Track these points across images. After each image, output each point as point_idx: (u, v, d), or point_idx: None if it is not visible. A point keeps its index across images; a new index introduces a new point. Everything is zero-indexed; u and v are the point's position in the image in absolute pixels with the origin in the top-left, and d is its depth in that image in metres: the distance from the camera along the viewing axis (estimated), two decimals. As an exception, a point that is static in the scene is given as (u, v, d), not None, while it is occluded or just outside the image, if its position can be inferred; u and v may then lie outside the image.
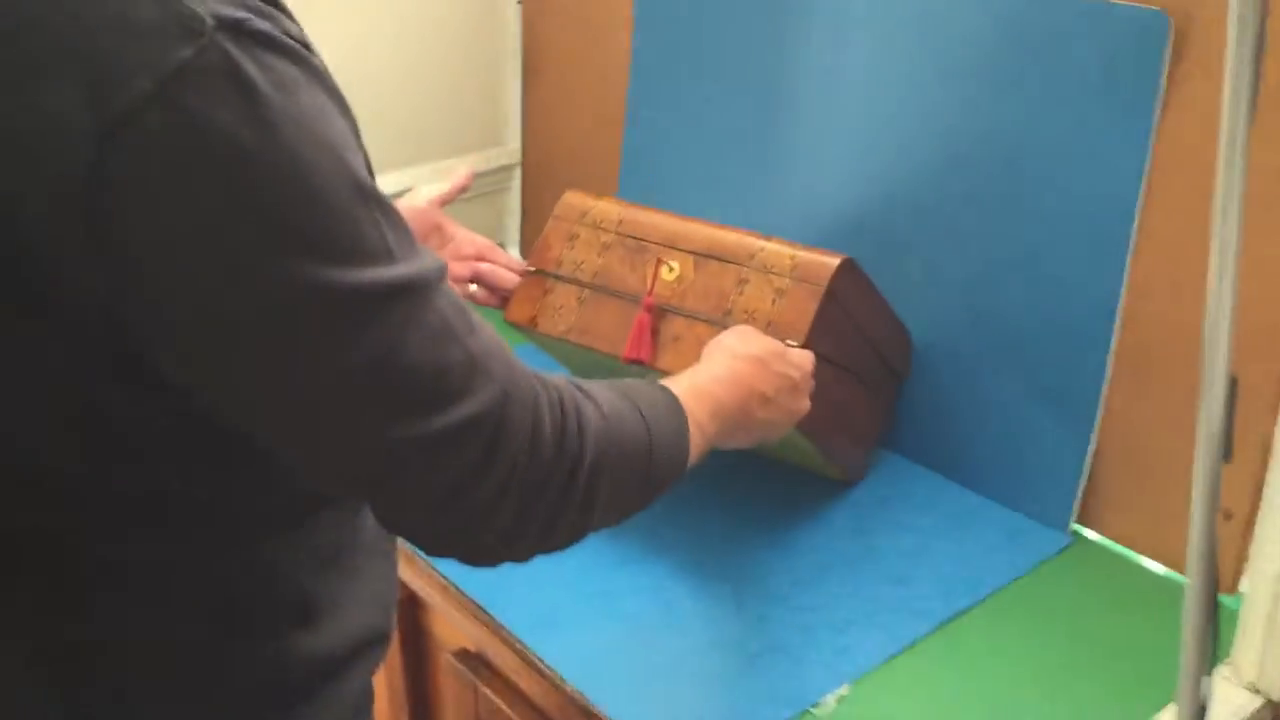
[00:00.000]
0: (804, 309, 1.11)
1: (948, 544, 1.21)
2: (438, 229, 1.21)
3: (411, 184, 1.72)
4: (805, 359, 1.05)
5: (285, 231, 0.60)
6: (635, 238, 1.22)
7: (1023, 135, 1.17)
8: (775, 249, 1.16)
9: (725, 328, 1.12)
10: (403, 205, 1.18)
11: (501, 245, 1.87)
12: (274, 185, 0.59)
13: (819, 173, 1.36)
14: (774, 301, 1.13)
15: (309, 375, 0.63)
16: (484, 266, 1.24)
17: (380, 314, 0.63)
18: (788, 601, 1.12)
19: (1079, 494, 1.21)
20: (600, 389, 0.80)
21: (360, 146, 0.66)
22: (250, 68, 0.58)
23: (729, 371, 0.97)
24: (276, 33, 0.60)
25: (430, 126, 1.74)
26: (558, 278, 1.24)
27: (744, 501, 1.26)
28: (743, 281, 1.15)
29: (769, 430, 1.01)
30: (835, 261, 1.13)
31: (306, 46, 0.63)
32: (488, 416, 0.68)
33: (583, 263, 1.24)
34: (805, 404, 1.04)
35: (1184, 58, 1.07)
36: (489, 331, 0.71)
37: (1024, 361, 1.22)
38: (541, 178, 1.81)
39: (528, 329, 1.24)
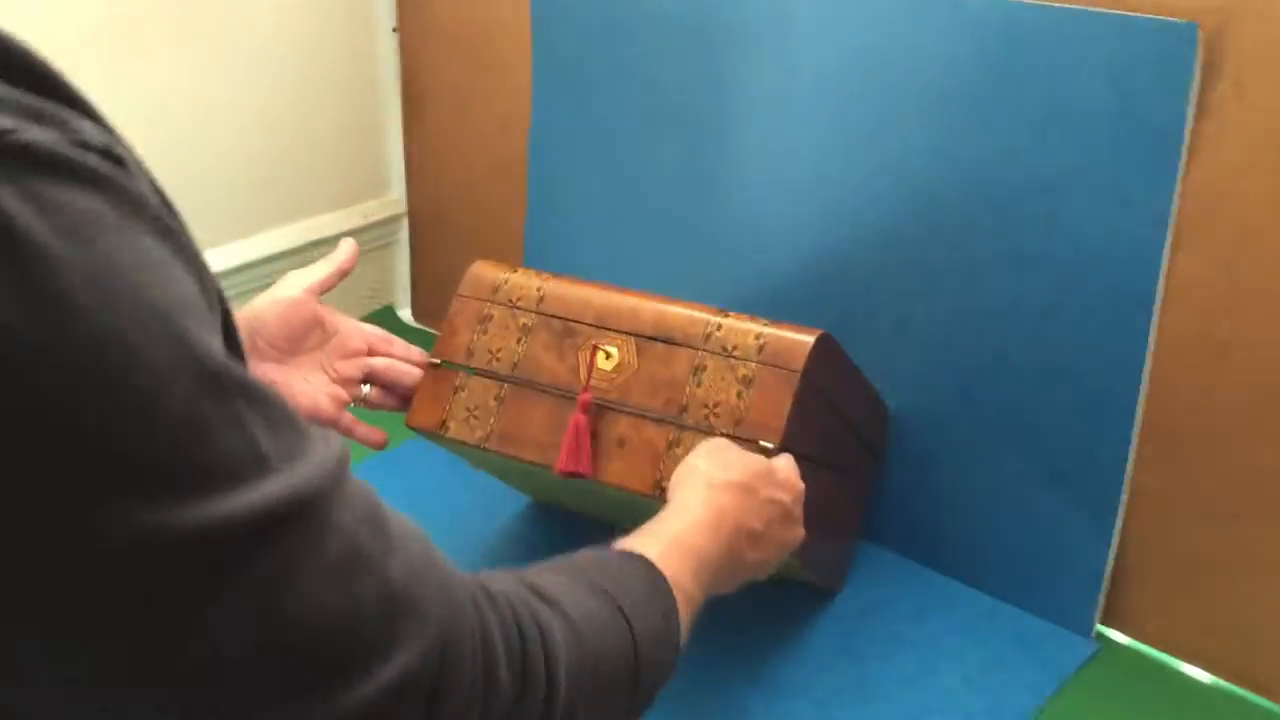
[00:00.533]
0: (777, 401, 0.91)
1: (954, 663, 1.01)
2: (316, 324, 0.97)
3: (277, 248, 1.49)
4: (793, 475, 0.85)
5: (88, 459, 0.38)
6: (561, 318, 1.00)
7: (1019, 171, 0.99)
8: (734, 325, 0.95)
9: (681, 427, 0.92)
10: (268, 300, 0.95)
11: (390, 308, 1.66)
12: (66, 389, 0.38)
13: (767, 223, 1.16)
14: (739, 394, 0.92)
15: (145, 666, 0.40)
16: (378, 362, 1.01)
17: (253, 556, 0.41)
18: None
19: (1104, 591, 1.02)
20: (560, 582, 0.61)
21: (214, 304, 0.46)
22: (18, 208, 0.37)
23: (710, 511, 0.76)
24: (64, 148, 0.40)
25: (297, 177, 1.50)
26: (470, 371, 1.02)
27: (711, 625, 1.05)
28: (698, 368, 0.94)
29: (759, 571, 0.81)
30: (809, 340, 0.92)
31: (118, 160, 0.42)
32: (423, 673, 0.46)
33: (499, 351, 1.01)
34: (800, 533, 0.84)
35: (1218, 76, 0.89)
36: (410, 535, 0.50)
37: (1028, 435, 1.03)
38: (433, 230, 1.58)
39: (436, 435, 1.01)
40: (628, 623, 0.61)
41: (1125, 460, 0.98)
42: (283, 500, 0.42)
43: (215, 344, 0.44)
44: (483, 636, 0.50)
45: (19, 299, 0.37)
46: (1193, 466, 0.96)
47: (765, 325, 0.94)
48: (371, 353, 1.02)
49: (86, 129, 0.42)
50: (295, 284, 0.97)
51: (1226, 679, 0.99)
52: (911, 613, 1.07)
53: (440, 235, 1.56)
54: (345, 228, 1.54)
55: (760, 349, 0.93)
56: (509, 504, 1.22)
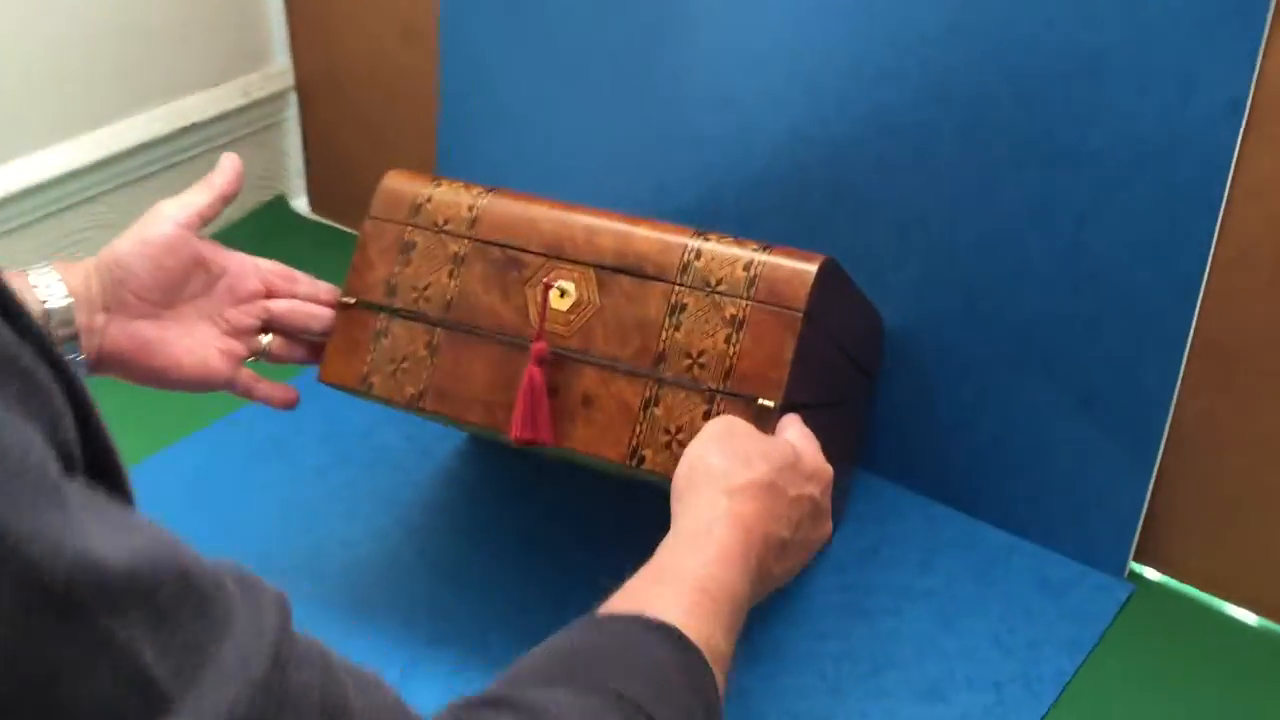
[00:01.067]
0: (776, 348, 0.74)
1: (975, 618, 0.88)
2: (197, 266, 0.78)
3: (141, 138, 1.25)
4: (820, 459, 0.69)
5: None
6: (502, 245, 0.81)
7: (1053, 45, 0.81)
8: (718, 251, 0.77)
9: (659, 381, 0.75)
10: (134, 240, 0.75)
11: (282, 199, 1.44)
12: None
13: (738, 103, 0.97)
14: (729, 338, 0.75)
15: None
16: (278, 305, 0.82)
17: None
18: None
19: (1139, 526, 0.90)
20: (567, 700, 0.46)
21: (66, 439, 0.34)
22: None
23: (736, 532, 0.61)
24: None
25: (158, 49, 1.25)
26: (392, 312, 0.83)
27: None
28: (676, 307, 0.77)
29: (783, 581, 0.67)
30: (811, 270, 0.75)
31: None
32: None
33: (427, 288, 0.82)
34: (828, 529, 0.70)
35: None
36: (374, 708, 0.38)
37: (1056, 356, 0.89)
38: (328, 106, 1.35)
39: (358, 392, 0.83)
40: None
41: (1174, 384, 0.84)
42: None
43: (55, 523, 0.30)
44: None
45: None
46: (1253, 392, 0.83)
47: (755, 250, 0.77)
48: (270, 294, 0.83)
49: None
50: (166, 217, 0.76)
51: (1276, 620, 0.88)
52: (919, 556, 0.93)
53: (336, 112, 1.34)
54: (222, 108, 1.31)
55: (752, 283, 0.75)
56: (445, 441, 1.05)
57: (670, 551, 0.60)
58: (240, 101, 1.32)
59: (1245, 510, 0.87)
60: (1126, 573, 0.91)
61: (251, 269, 0.81)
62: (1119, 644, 0.87)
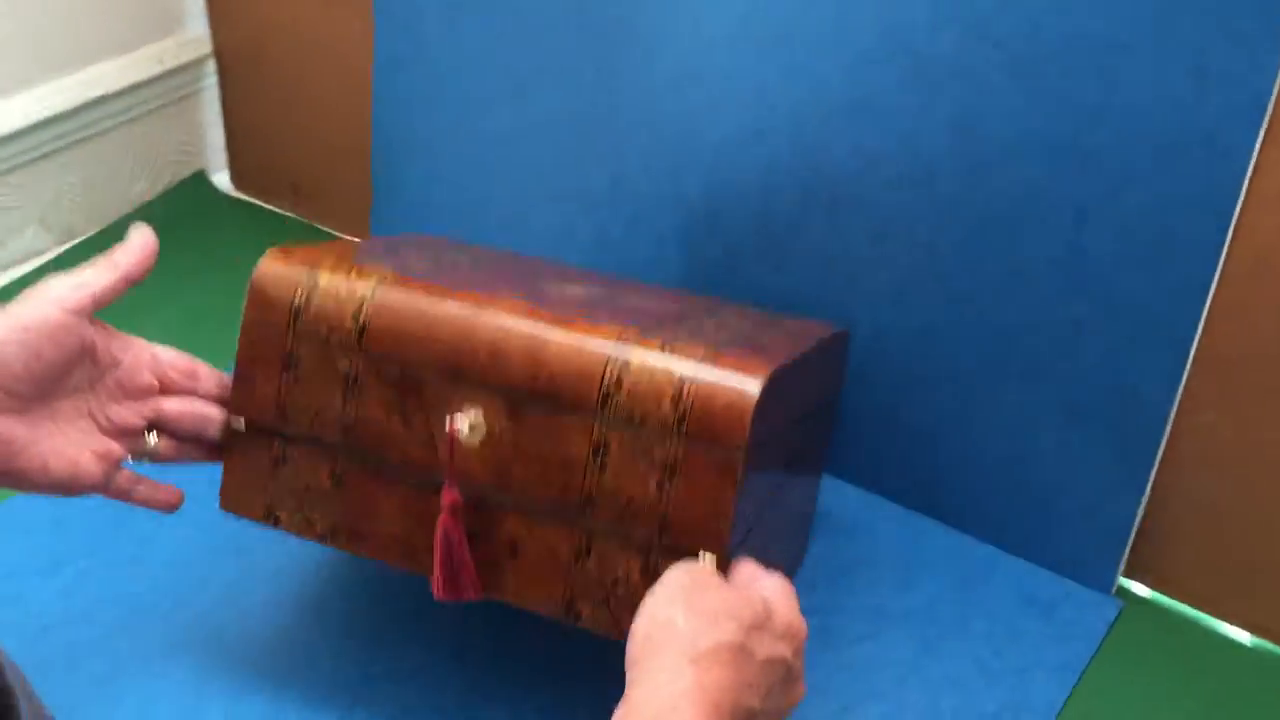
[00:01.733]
0: (715, 496, 0.64)
1: (958, 640, 0.83)
2: (84, 356, 0.66)
3: (45, 112, 1.14)
4: (793, 614, 0.60)
5: None
6: (397, 363, 0.70)
7: (1055, 29, 0.74)
8: (643, 377, 0.64)
9: (589, 532, 0.66)
10: (11, 323, 0.63)
11: (202, 174, 1.33)
12: None
13: (704, 72, 0.89)
14: (660, 484, 0.65)
15: None
16: (171, 404, 0.70)
17: None
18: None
19: (1130, 540, 0.85)
20: None
21: None
22: None
23: (704, 708, 0.53)
24: None
25: (61, 16, 1.14)
26: (286, 438, 0.73)
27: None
28: (599, 446, 0.65)
29: None
30: (752, 394, 0.63)
31: None
32: None
33: (320, 411, 0.71)
34: (801, 691, 0.61)
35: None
36: None
37: (1045, 362, 0.83)
38: (249, 74, 1.24)
39: (265, 524, 0.74)
40: None
41: (1173, 397, 0.79)
42: None
43: None
44: None
45: None
46: (1258, 409, 0.78)
47: (689, 364, 0.64)
48: (165, 389, 0.71)
49: None
50: (52, 300, 0.64)
51: (1272, 640, 0.84)
52: (896, 573, 0.88)
53: (258, 79, 1.23)
54: (134, 78, 1.20)
55: (681, 420, 0.64)
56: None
57: None
58: (154, 70, 1.21)
59: (1241, 526, 0.82)
60: (1115, 589, 0.86)
61: (147, 361, 0.70)
62: (1109, 665, 0.82)
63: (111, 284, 0.65)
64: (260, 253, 1.27)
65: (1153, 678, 0.82)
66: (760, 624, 0.57)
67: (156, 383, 0.70)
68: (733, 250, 0.92)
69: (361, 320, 0.69)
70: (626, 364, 0.65)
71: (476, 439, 0.67)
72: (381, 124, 1.09)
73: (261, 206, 1.28)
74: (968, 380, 0.86)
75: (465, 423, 0.67)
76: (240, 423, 0.72)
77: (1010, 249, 0.81)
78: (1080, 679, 0.81)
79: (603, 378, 0.65)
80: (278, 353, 0.71)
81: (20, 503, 0.94)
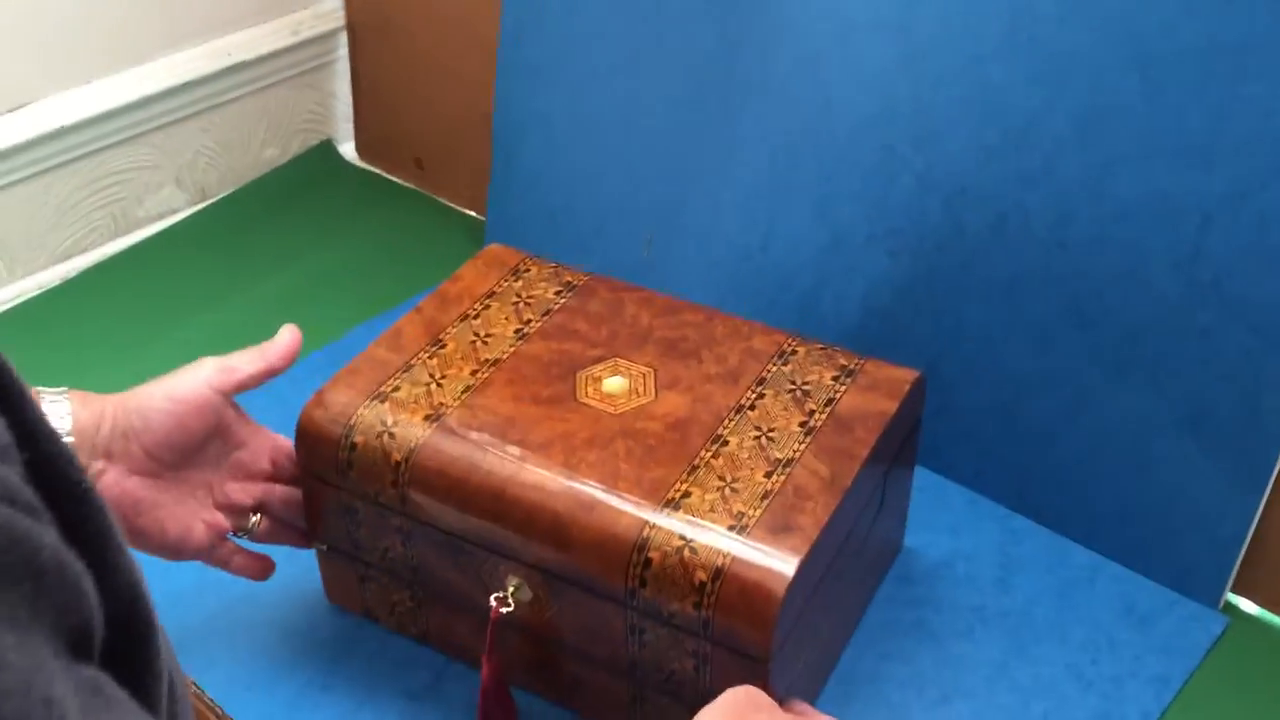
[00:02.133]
0: (749, 679, 0.65)
1: (1053, 645, 0.81)
2: (218, 435, 0.72)
3: (181, 78, 1.17)
4: None
5: None
6: (440, 527, 0.72)
7: (1191, 29, 0.72)
8: (666, 571, 0.65)
9: (639, 686, 0.71)
10: (164, 395, 0.69)
11: (329, 143, 1.36)
12: None
13: (824, 56, 0.89)
14: (697, 669, 0.67)
15: None
16: (278, 491, 0.76)
17: None
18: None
19: (1241, 554, 0.83)
20: None
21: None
22: None
23: None
24: None
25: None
26: (365, 564, 0.78)
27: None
28: (635, 629, 0.68)
29: None
30: (773, 609, 0.63)
31: None
32: None
33: (387, 551, 0.76)
34: None
35: None
36: None
37: (1162, 369, 0.81)
38: (379, 47, 1.28)
39: (370, 621, 0.81)
40: None
41: (1296, 406, 0.76)
42: None
43: None
44: None
45: None
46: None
47: (716, 559, 0.64)
48: (276, 477, 0.76)
49: None
50: (203, 380, 0.70)
51: (1387, 667, 0.81)
52: (996, 574, 0.87)
53: (388, 52, 1.27)
54: (269, 47, 1.24)
55: (706, 624, 0.65)
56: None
57: None
58: (288, 40, 1.25)
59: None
60: (1222, 604, 0.84)
61: (268, 448, 0.75)
62: (1211, 682, 0.80)
63: (257, 373, 0.72)
64: (382, 224, 1.31)
65: (1255, 697, 0.79)
66: None
67: (271, 469, 0.75)
68: (841, 237, 0.91)
69: (400, 488, 0.72)
70: (648, 563, 0.65)
71: (526, 597, 0.71)
72: (504, 97, 1.10)
73: (384, 177, 1.31)
74: (1084, 382, 0.84)
75: (507, 598, 0.71)
76: (323, 546, 0.78)
77: (1133, 250, 0.79)
78: (1179, 693, 0.79)
79: (628, 571, 0.66)
80: (336, 502, 0.75)
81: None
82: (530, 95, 1.08)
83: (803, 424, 0.72)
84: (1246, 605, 0.85)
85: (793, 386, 0.75)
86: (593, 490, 0.68)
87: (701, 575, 0.64)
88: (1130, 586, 0.85)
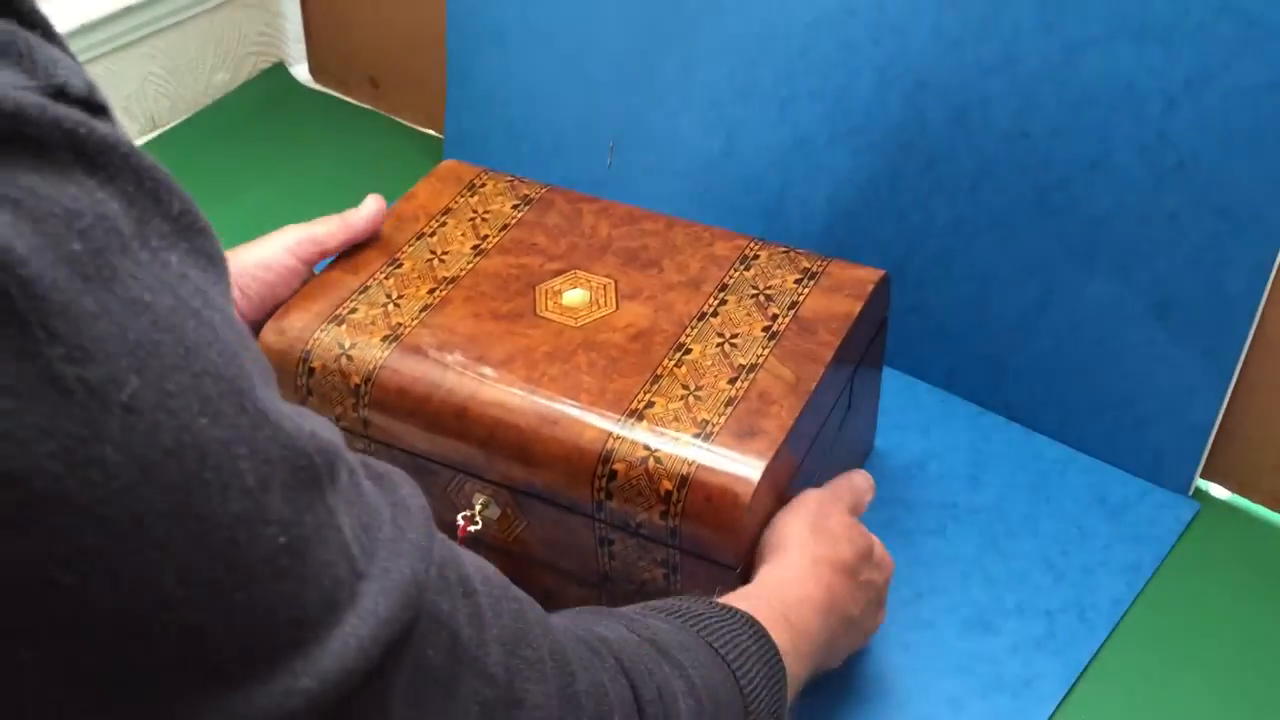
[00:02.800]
0: (722, 584, 0.64)
1: (1025, 539, 0.82)
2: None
3: (112, 4, 1.14)
4: (886, 554, 0.70)
5: (144, 641, 0.28)
6: (405, 451, 0.71)
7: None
8: (631, 482, 0.65)
9: (613, 596, 0.71)
10: (254, 262, 0.74)
11: (281, 66, 1.32)
12: (109, 533, 0.26)
13: (778, -37, 0.86)
14: (667, 577, 0.67)
15: None
16: None
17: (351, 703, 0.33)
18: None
19: (1210, 440, 0.83)
20: (681, 640, 0.52)
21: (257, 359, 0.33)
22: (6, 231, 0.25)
23: (823, 590, 0.63)
24: (39, 108, 0.27)
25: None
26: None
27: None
28: (604, 540, 0.68)
29: (839, 659, 0.69)
30: (740, 514, 0.63)
31: (100, 111, 0.31)
32: None
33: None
34: (882, 617, 0.71)
35: None
36: (498, 596, 0.42)
37: (1128, 254, 0.80)
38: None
39: None
40: (745, 706, 0.53)
41: (1262, 291, 0.76)
42: (381, 628, 0.33)
43: (283, 407, 0.32)
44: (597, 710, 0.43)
45: (26, 396, 0.25)
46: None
47: (681, 459, 0.64)
48: None
49: (58, 61, 0.29)
50: (290, 246, 0.74)
51: (1356, 546, 0.81)
52: (966, 470, 0.87)
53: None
54: (213, -35, 1.20)
55: (674, 532, 0.64)
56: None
57: (763, 585, 0.62)
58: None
59: (1330, 428, 0.79)
60: (1192, 490, 0.84)
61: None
62: (1182, 568, 0.80)
63: (340, 241, 0.76)
64: (339, 146, 1.28)
65: (1226, 581, 0.80)
66: (865, 554, 0.67)
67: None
68: (805, 137, 0.89)
69: (363, 410, 0.71)
70: (614, 474, 0.65)
71: (495, 515, 0.71)
72: (456, 11, 1.07)
73: (339, 98, 1.28)
74: (1052, 274, 0.84)
75: (474, 516, 0.70)
76: None
77: (1097, 137, 0.78)
78: (1150, 580, 0.79)
79: (593, 483, 0.65)
80: (292, 387, 0.73)
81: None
82: (483, 7, 1.05)
83: (766, 329, 0.71)
84: (1217, 490, 0.85)
85: (755, 291, 0.74)
86: (555, 404, 0.67)
87: (667, 484, 0.64)
88: (1101, 477, 0.86)
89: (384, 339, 0.72)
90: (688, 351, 0.70)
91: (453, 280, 0.76)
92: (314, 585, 0.31)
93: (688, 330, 0.71)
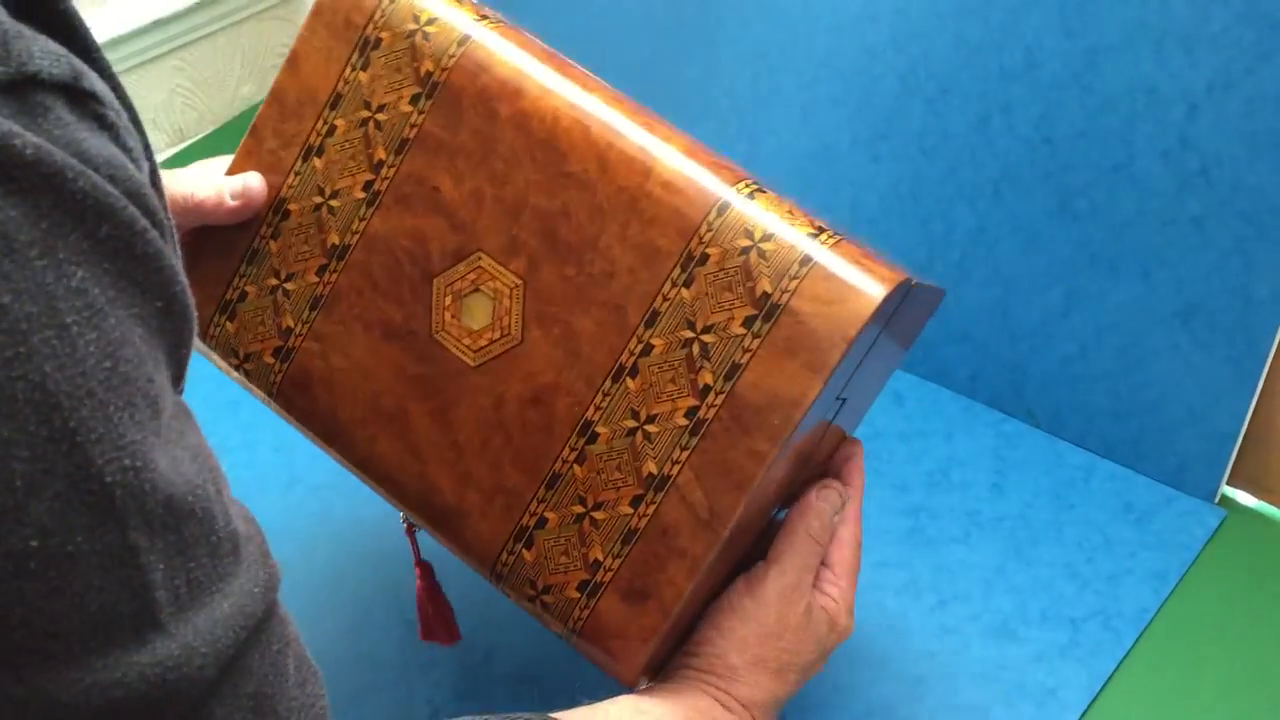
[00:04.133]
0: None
1: (1049, 546, 0.81)
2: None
3: (139, 19, 1.17)
4: (849, 622, 0.62)
5: None
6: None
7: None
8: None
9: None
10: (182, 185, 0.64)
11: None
12: None
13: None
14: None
15: None
16: None
17: None
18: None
19: (1236, 447, 0.82)
20: None
21: (177, 328, 0.36)
22: None
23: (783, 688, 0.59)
24: None
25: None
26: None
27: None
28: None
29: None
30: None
31: (88, 98, 0.34)
32: None
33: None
34: (847, 624, 0.62)
35: None
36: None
37: (1154, 260, 0.80)
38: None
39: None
40: None
41: (1287, 297, 0.75)
42: (149, 688, 0.33)
43: (151, 451, 0.33)
44: None
45: None
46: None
47: (566, 614, 0.57)
48: None
49: (34, 49, 0.32)
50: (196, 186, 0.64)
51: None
52: (991, 478, 0.86)
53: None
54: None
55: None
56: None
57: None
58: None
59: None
60: (1218, 497, 0.84)
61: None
62: (1208, 575, 0.80)
63: (212, 206, 0.63)
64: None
65: (1253, 589, 0.79)
66: (833, 627, 0.60)
67: None
68: (827, 144, 0.90)
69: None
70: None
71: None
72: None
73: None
74: (1075, 280, 0.83)
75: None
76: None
77: (1120, 142, 0.77)
78: (1175, 588, 0.79)
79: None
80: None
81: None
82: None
83: (690, 412, 0.55)
84: (1244, 498, 0.84)
85: (689, 335, 0.55)
86: (447, 502, 0.59)
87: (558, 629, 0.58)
88: (1126, 484, 0.85)
89: (275, 354, 0.63)
90: (592, 440, 0.56)
91: (343, 255, 0.62)
92: (75, 606, 0.32)
93: (598, 397, 0.57)
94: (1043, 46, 0.78)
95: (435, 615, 0.72)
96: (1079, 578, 0.79)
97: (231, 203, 0.62)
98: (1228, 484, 0.84)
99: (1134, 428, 0.85)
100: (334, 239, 0.62)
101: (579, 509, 0.56)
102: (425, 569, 0.71)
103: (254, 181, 0.63)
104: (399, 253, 0.61)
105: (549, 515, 0.57)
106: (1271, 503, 0.84)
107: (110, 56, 1.13)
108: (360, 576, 0.81)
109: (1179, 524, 0.82)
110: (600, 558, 0.56)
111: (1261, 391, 0.79)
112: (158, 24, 1.16)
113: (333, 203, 0.62)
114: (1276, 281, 0.75)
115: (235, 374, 0.66)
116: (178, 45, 1.20)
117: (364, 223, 0.61)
